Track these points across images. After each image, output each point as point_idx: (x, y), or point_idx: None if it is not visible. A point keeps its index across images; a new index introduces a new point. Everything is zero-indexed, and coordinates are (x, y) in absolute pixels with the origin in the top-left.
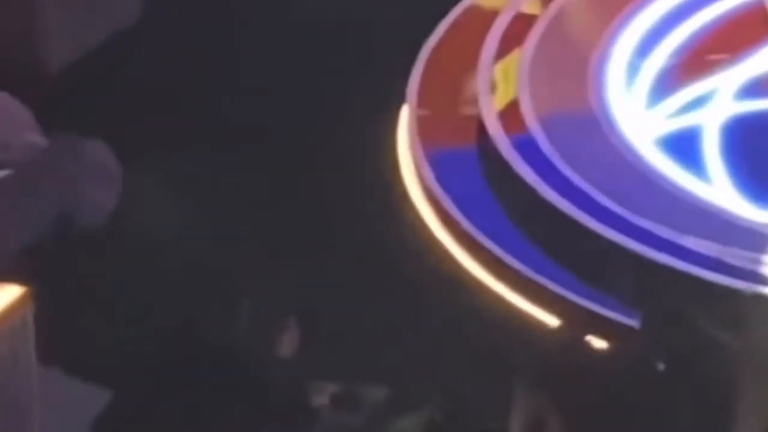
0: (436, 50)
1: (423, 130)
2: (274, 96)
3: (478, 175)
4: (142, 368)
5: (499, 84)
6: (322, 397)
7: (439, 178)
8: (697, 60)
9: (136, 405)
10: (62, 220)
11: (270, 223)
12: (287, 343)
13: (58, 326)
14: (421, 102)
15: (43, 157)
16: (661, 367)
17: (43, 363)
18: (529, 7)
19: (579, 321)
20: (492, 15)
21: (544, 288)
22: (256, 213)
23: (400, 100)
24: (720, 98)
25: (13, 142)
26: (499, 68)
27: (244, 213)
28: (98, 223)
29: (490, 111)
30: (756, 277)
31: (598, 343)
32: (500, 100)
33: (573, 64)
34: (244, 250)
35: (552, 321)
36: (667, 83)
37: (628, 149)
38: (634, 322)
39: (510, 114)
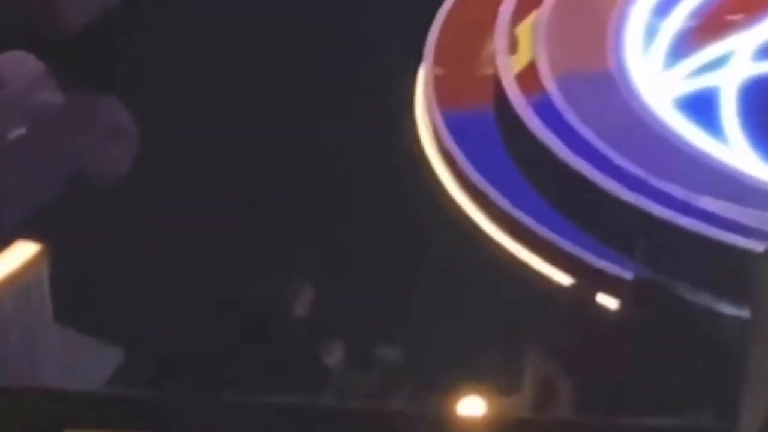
0: (453, 10)
1: (440, 90)
2: (289, 59)
3: (495, 136)
4: (157, 326)
5: (520, 44)
6: (336, 356)
7: (456, 139)
8: (715, 21)
9: (149, 362)
10: (78, 178)
11: (284, 184)
12: (303, 304)
13: (74, 282)
14: (438, 61)
15: (59, 116)
16: (667, 328)
17: (58, 319)
18: None
19: (593, 280)
20: None
21: (559, 247)
22: (273, 171)
23: (418, 59)
24: (737, 59)
25: (29, 99)
26: (519, 29)
27: (262, 170)
28: (114, 181)
29: (507, 72)
30: None
31: (610, 302)
32: (518, 62)
33: (591, 25)
34: (261, 207)
35: (566, 280)
36: (684, 44)
37: (646, 110)
38: (644, 283)
39: (527, 75)
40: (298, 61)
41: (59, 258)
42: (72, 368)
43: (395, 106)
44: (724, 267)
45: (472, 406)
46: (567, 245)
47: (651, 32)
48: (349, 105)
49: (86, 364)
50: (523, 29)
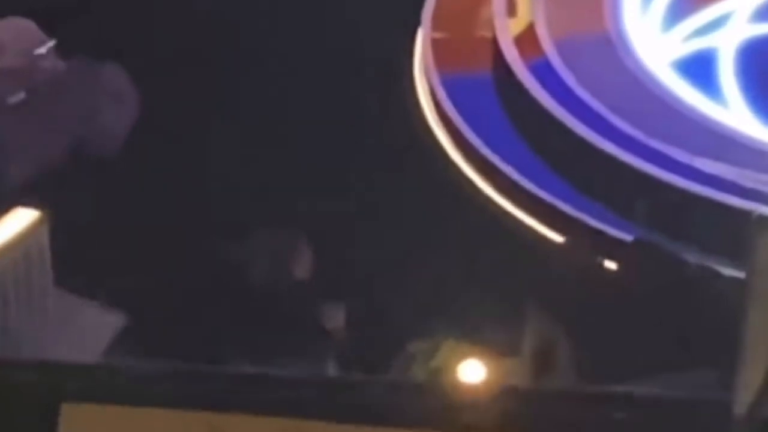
0: None
1: (438, 54)
2: (288, 24)
3: (494, 99)
4: (157, 292)
5: (519, 7)
6: (336, 319)
7: (455, 102)
8: None
9: (151, 328)
10: (79, 144)
11: (285, 148)
12: (302, 267)
13: (74, 248)
14: (437, 25)
15: (61, 82)
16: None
17: (58, 283)
18: None
19: (591, 241)
20: None
21: (557, 209)
22: (269, 137)
23: (416, 23)
24: (735, 21)
25: (31, 65)
26: None
27: (262, 134)
28: (115, 147)
29: (506, 35)
30: None
31: (607, 262)
32: (517, 25)
33: None
34: (260, 172)
35: (565, 241)
36: (682, 6)
37: (644, 72)
38: (643, 245)
39: (526, 38)
40: (297, 28)
41: (60, 224)
42: (71, 339)
43: (395, 68)
44: (723, 228)
45: (470, 371)
46: (566, 207)
47: None
48: (349, 68)
49: (86, 334)
50: None
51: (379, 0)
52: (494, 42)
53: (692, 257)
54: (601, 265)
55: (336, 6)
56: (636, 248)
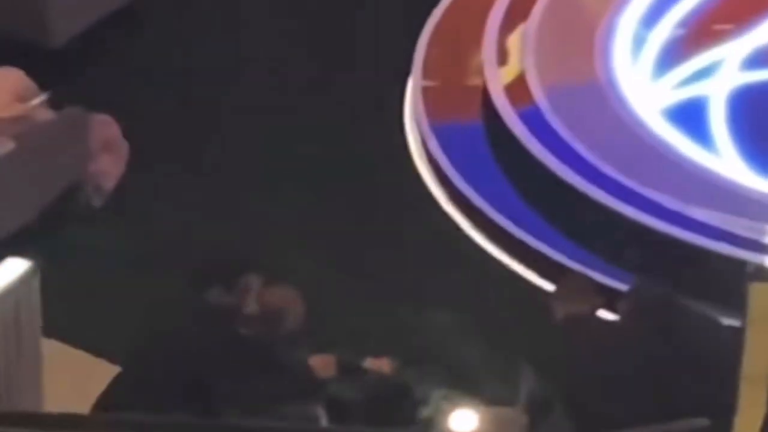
0: (441, 21)
1: (429, 102)
2: (278, 67)
3: (485, 147)
4: (148, 341)
5: (510, 56)
6: (328, 369)
7: (446, 150)
8: (703, 30)
9: (142, 378)
10: (69, 195)
11: (273, 197)
12: (294, 317)
13: (64, 300)
14: (427, 73)
15: (49, 131)
16: (658, 342)
17: (49, 336)
18: None
19: (584, 291)
20: None
21: (549, 258)
22: (259, 187)
23: (406, 71)
24: (726, 68)
25: (20, 116)
26: (509, 40)
27: (249, 186)
28: (105, 198)
29: (496, 83)
30: (761, 248)
31: (602, 313)
32: (507, 74)
33: (579, 35)
34: (250, 219)
35: (557, 291)
36: (673, 54)
37: (635, 120)
38: (635, 294)
39: (516, 86)
40: (280, 76)
41: (50, 275)
42: (61, 391)
43: (384, 118)
44: (716, 277)
45: (462, 422)
46: (559, 256)
47: (639, 43)
48: (336, 115)
49: (79, 386)
50: (513, 40)
51: (368, 47)
52: (485, 91)
53: (686, 307)
54: (594, 315)
55: (324, 53)
56: (629, 297)
